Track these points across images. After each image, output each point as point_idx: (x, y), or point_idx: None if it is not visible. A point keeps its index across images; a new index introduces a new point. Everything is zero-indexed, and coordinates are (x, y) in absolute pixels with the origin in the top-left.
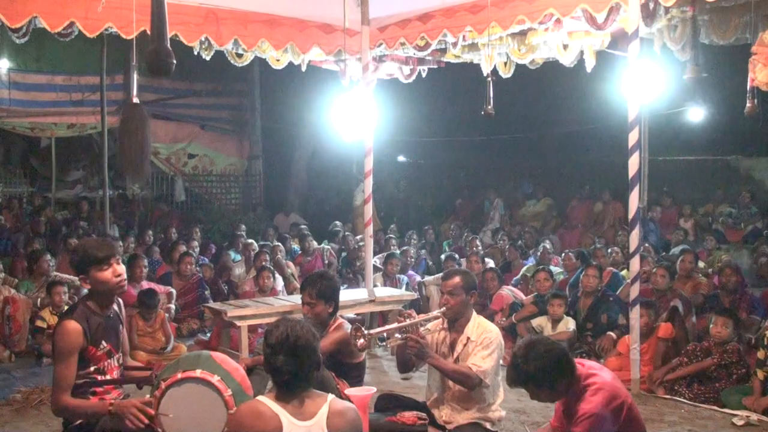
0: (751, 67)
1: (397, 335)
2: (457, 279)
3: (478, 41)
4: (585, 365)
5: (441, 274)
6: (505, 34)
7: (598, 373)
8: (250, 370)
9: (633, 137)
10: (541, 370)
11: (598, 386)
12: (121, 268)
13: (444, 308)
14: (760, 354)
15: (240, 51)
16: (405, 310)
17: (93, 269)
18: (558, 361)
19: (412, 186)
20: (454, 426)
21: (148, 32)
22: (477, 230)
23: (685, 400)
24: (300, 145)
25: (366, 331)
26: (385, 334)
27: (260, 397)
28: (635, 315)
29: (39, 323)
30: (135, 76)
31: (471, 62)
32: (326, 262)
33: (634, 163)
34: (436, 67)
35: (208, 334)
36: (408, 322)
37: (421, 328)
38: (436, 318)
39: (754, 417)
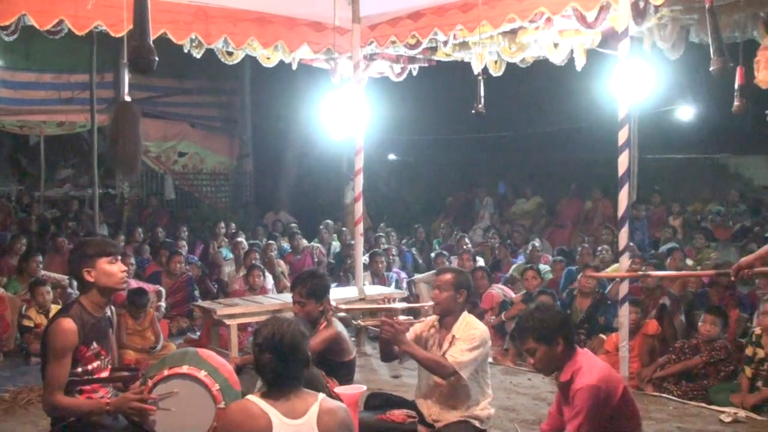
0: (757, 67)
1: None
2: (449, 275)
3: (469, 40)
4: (582, 350)
5: (431, 272)
6: (496, 32)
7: (593, 357)
8: (239, 369)
9: (623, 135)
10: (545, 321)
11: (593, 365)
12: (124, 267)
13: (433, 303)
14: (748, 351)
15: (230, 49)
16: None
17: (102, 261)
18: (560, 319)
19: (402, 184)
20: (443, 424)
21: None
22: (467, 228)
23: (673, 397)
24: (290, 144)
25: (336, 304)
26: (360, 314)
27: (250, 396)
28: (624, 312)
29: (26, 322)
30: (126, 75)
31: (462, 61)
32: (316, 260)
33: (623, 162)
34: (426, 65)
35: (198, 333)
36: (387, 305)
37: (416, 324)
38: (421, 307)
39: (742, 414)
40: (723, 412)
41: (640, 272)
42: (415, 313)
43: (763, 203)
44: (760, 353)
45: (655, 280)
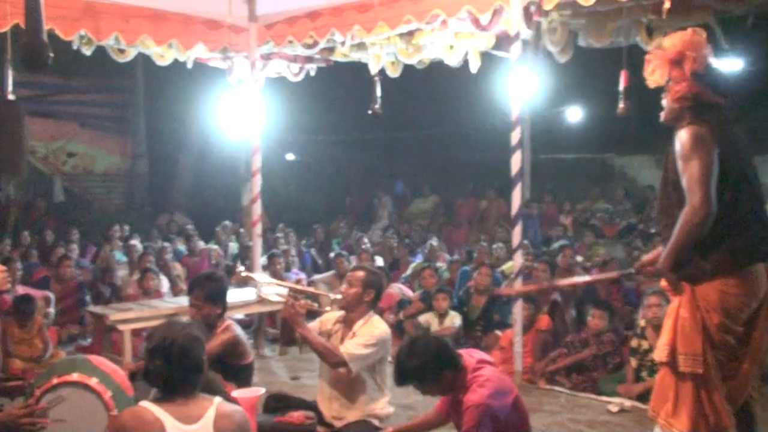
0: (646, 66)
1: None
2: (361, 273)
3: (366, 40)
4: (474, 357)
5: (331, 272)
6: (393, 33)
7: (485, 365)
8: (134, 376)
9: (515, 136)
10: (423, 364)
11: (486, 378)
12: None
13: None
14: (634, 343)
15: (122, 47)
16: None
17: None
18: (439, 354)
19: (301, 185)
20: (344, 423)
21: (22, 25)
22: (366, 228)
23: (564, 390)
24: (186, 144)
25: (244, 273)
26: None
27: (143, 402)
28: (518, 309)
29: None
30: (8, 71)
31: (359, 61)
32: (213, 262)
33: (516, 161)
34: (324, 65)
35: (90, 340)
36: (295, 286)
37: (324, 316)
38: (325, 296)
39: (628, 404)
40: (611, 402)
41: (546, 284)
42: (319, 301)
43: (647, 201)
44: (645, 345)
45: (547, 278)
